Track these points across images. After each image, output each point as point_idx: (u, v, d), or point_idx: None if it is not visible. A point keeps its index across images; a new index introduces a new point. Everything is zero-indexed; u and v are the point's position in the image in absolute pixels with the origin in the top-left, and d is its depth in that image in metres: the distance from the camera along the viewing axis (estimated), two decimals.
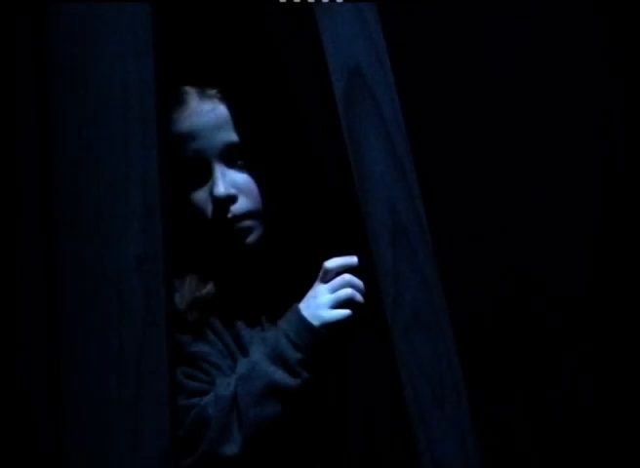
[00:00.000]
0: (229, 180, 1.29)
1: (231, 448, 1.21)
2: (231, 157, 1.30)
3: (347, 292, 1.23)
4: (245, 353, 1.29)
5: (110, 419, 1.01)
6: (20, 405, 1.04)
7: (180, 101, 1.32)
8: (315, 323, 1.22)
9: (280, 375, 1.21)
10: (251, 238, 1.31)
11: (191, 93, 1.33)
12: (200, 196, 1.31)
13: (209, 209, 1.30)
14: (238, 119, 1.31)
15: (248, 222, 1.30)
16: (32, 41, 1.08)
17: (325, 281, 1.25)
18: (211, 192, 1.29)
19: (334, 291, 1.24)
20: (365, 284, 1.24)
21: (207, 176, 1.30)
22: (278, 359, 1.22)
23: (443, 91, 1.39)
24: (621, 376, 1.37)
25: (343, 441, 1.28)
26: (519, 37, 1.42)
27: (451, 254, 1.17)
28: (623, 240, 1.40)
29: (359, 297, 1.24)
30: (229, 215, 1.29)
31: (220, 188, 1.28)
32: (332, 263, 1.25)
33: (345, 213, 1.18)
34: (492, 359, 1.35)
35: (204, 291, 1.32)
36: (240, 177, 1.31)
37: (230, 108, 1.31)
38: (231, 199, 1.29)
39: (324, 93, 1.14)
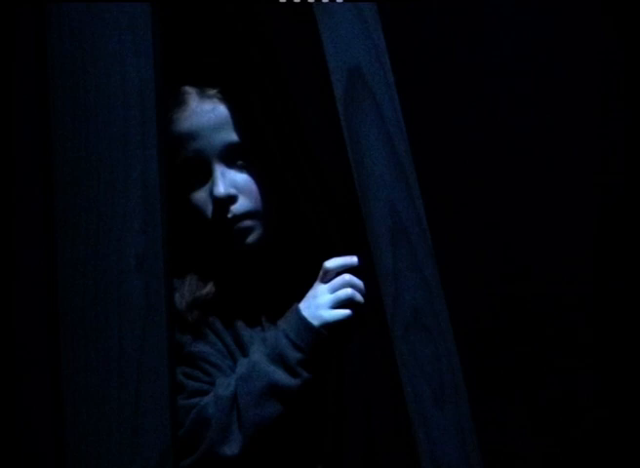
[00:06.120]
0: (229, 180, 1.29)
1: (231, 449, 1.21)
2: (231, 157, 1.30)
3: (347, 292, 1.23)
4: (245, 353, 1.29)
5: (110, 419, 1.01)
6: (21, 405, 1.04)
7: (179, 101, 1.32)
8: (315, 323, 1.22)
9: (280, 375, 1.21)
10: (251, 238, 1.31)
11: (191, 93, 1.33)
12: (200, 196, 1.31)
13: (209, 209, 1.30)
14: (238, 119, 1.31)
15: (248, 222, 1.30)
16: (33, 41, 1.08)
17: (325, 281, 1.25)
18: (211, 192, 1.29)
19: (334, 291, 1.23)
20: (365, 284, 1.24)
21: (207, 176, 1.30)
22: (278, 359, 1.22)
23: (443, 91, 1.39)
24: (621, 376, 1.38)
25: (343, 441, 1.28)
26: (519, 37, 1.42)
27: (451, 254, 1.17)
28: (624, 240, 1.40)
29: (359, 297, 1.24)
30: (229, 215, 1.29)
31: (220, 188, 1.28)
32: (332, 263, 1.25)
33: (345, 213, 1.18)
34: (492, 359, 1.35)
35: (204, 291, 1.32)
36: (240, 177, 1.31)
37: (230, 108, 1.31)
38: (231, 199, 1.29)
39: (324, 93, 1.14)
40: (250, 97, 1.31)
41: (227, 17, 1.33)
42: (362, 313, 1.23)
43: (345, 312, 1.23)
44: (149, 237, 1.04)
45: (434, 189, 1.16)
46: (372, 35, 1.15)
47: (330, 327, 1.22)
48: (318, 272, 1.26)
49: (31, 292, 1.06)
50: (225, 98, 1.32)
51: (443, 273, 1.12)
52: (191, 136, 1.30)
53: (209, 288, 1.32)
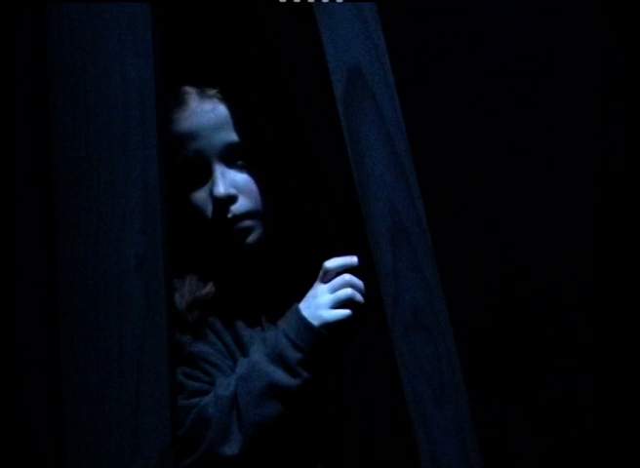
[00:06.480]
0: (229, 180, 1.29)
1: (231, 449, 1.21)
2: (231, 157, 1.30)
3: (347, 292, 1.23)
4: (245, 353, 1.29)
5: (110, 419, 1.01)
6: (21, 405, 1.04)
7: (180, 101, 1.32)
8: (315, 323, 1.22)
9: (280, 375, 1.21)
10: (251, 238, 1.31)
11: (191, 93, 1.33)
12: (200, 196, 1.31)
13: (209, 209, 1.30)
14: (238, 119, 1.31)
15: (248, 222, 1.30)
16: (33, 41, 1.08)
17: (325, 281, 1.25)
18: (211, 192, 1.29)
19: (334, 291, 1.23)
20: (365, 284, 1.24)
21: (207, 176, 1.30)
22: (278, 359, 1.22)
23: (443, 91, 1.39)
24: (621, 376, 1.38)
25: (343, 441, 1.28)
26: (519, 37, 1.42)
27: (451, 254, 1.17)
28: (624, 240, 1.40)
29: (359, 297, 1.24)
30: (229, 216, 1.29)
31: (220, 188, 1.28)
32: (332, 263, 1.25)
33: (345, 213, 1.18)
34: (492, 359, 1.35)
35: (204, 291, 1.32)
36: (240, 177, 1.31)
37: (230, 108, 1.31)
38: (231, 199, 1.29)
39: (324, 93, 1.14)
40: (250, 97, 1.31)
41: (227, 17, 1.33)
42: (362, 313, 1.23)
43: (345, 312, 1.23)
44: (149, 237, 1.04)
45: (434, 189, 1.16)
46: (372, 35, 1.15)
47: (330, 327, 1.22)
48: (318, 272, 1.26)
49: (31, 292, 1.06)
50: (225, 98, 1.32)
51: (443, 273, 1.12)
52: (191, 136, 1.30)
53: (209, 288, 1.32)
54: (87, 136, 1.05)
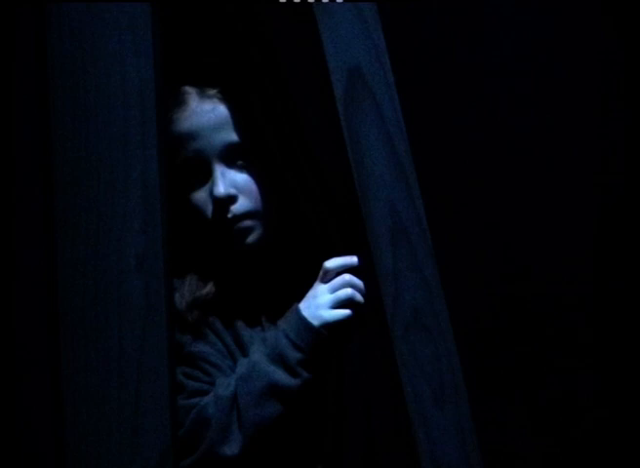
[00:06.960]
0: (229, 180, 1.29)
1: (231, 449, 1.21)
2: (231, 157, 1.30)
3: (347, 292, 1.23)
4: (245, 353, 1.29)
5: (110, 419, 1.01)
6: (21, 405, 1.04)
7: (180, 101, 1.32)
8: (315, 323, 1.22)
9: (280, 375, 1.21)
10: (251, 238, 1.31)
11: (191, 93, 1.33)
12: (200, 196, 1.31)
13: (209, 209, 1.30)
14: (238, 119, 1.31)
15: (248, 222, 1.30)
16: (33, 41, 1.08)
17: (325, 281, 1.25)
18: (211, 192, 1.29)
19: (334, 291, 1.24)
20: (365, 284, 1.24)
21: (207, 176, 1.30)
22: (278, 359, 1.22)
23: (443, 91, 1.39)
24: (621, 376, 1.38)
25: (343, 441, 1.28)
26: (519, 37, 1.42)
27: (451, 254, 1.17)
28: (624, 240, 1.40)
29: (359, 297, 1.24)
30: (229, 216, 1.29)
31: (220, 188, 1.28)
32: (332, 263, 1.25)
33: (345, 213, 1.18)
34: (492, 359, 1.35)
35: (204, 291, 1.32)
36: (240, 177, 1.31)
37: (230, 108, 1.31)
38: (231, 199, 1.29)
39: (324, 93, 1.14)
40: (250, 97, 1.31)
41: (227, 17, 1.33)
42: (362, 313, 1.23)
43: (345, 312, 1.23)
44: (149, 237, 1.04)
45: (434, 189, 1.16)
46: (372, 35, 1.15)
47: (330, 327, 1.22)
48: (318, 272, 1.26)
49: (31, 292, 1.06)
50: (225, 98, 1.32)
51: (443, 273, 1.12)
52: (191, 136, 1.30)
53: (209, 288, 1.32)
54: (87, 136, 1.05)
